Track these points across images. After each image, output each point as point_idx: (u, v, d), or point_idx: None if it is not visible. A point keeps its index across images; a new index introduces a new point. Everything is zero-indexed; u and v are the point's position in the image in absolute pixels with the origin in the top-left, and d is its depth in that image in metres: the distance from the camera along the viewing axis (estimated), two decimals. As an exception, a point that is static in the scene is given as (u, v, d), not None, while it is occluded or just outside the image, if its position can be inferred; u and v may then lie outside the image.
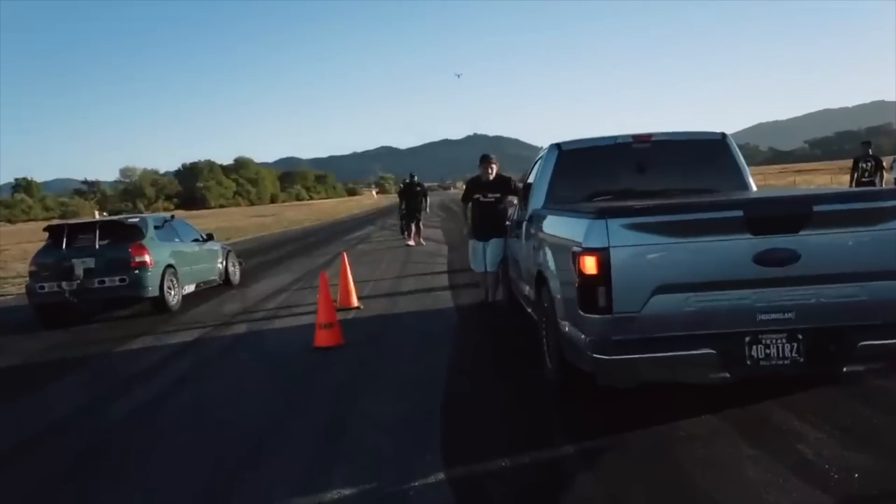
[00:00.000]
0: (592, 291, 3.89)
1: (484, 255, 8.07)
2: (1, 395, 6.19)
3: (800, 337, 3.85)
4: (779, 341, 3.86)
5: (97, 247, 9.69)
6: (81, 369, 6.97)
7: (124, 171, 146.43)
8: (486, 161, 8.18)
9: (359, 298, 9.15)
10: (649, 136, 5.81)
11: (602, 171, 5.87)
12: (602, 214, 3.91)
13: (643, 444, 3.87)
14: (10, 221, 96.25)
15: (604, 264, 3.84)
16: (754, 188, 5.82)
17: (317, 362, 6.31)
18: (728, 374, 3.87)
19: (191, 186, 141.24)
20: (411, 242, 18.32)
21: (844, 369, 3.90)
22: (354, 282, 9.37)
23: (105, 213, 78.54)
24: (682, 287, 3.84)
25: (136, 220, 10.43)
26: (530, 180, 6.53)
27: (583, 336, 4.04)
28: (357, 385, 5.53)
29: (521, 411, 4.60)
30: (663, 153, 5.80)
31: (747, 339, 3.86)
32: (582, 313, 3.99)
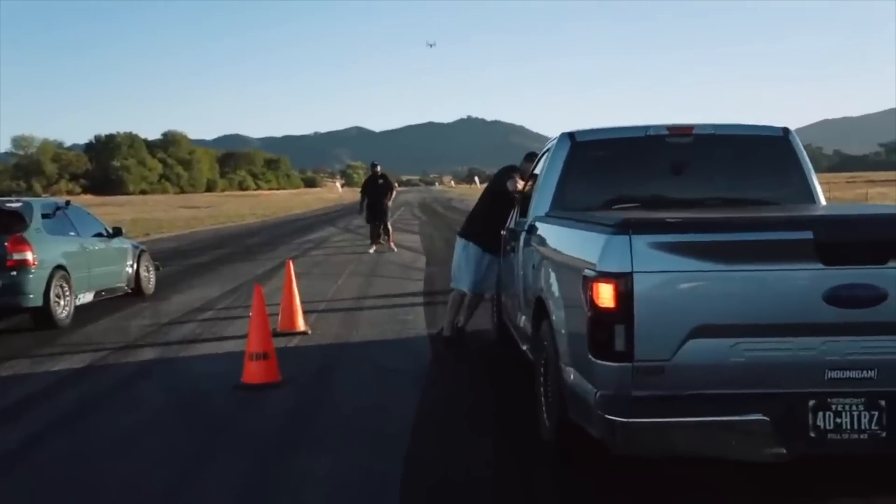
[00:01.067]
0: (608, 331, 3.68)
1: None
2: None
3: (882, 403, 3.64)
4: (854, 408, 3.65)
5: (-40, 240, 9.36)
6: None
7: (18, 141, 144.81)
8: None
9: (306, 320, 8.92)
10: (689, 127, 5.65)
11: (626, 171, 5.71)
12: (625, 228, 3.70)
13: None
14: None
15: (625, 295, 3.62)
16: (823, 202, 5.65)
17: (241, 406, 6.07)
18: (785, 451, 3.64)
19: (104, 165, 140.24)
20: (371, 250, 18.55)
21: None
22: (304, 299, 9.15)
23: (-8, 195, 77.72)
24: (728, 330, 3.63)
25: (18, 204, 10.16)
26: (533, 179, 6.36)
27: (593, 389, 3.82)
28: (291, 440, 5.28)
29: (506, 486, 4.37)
30: (707, 151, 5.64)
31: (812, 403, 3.64)
32: (593, 359, 3.77)
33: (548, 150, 6.17)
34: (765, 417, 3.60)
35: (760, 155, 5.67)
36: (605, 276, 3.67)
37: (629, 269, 3.62)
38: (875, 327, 3.61)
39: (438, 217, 36.14)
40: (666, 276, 3.65)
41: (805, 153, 5.69)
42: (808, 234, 3.63)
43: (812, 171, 5.66)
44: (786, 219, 3.88)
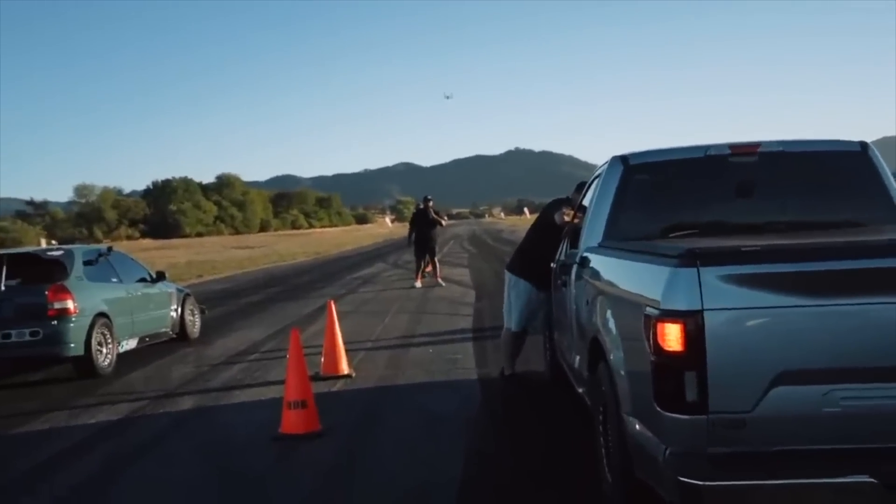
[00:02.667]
0: (676, 378, 3.21)
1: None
2: None
3: None
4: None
5: (3, 288, 9.35)
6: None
7: (80, 190, 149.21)
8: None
9: (350, 363, 8.61)
10: (755, 145, 5.15)
11: (686, 195, 5.23)
12: (692, 259, 3.23)
13: None
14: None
15: (695, 337, 3.15)
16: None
17: (278, 459, 5.74)
18: (895, 517, 3.11)
19: (162, 209, 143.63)
20: (417, 284, 18.66)
21: None
22: (350, 339, 8.88)
23: (54, 242, 79.90)
24: (820, 375, 3.13)
25: (59, 252, 10.14)
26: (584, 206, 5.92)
27: (661, 445, 3.33)
28: (328, 500, 4.88)
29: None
30: (776, 170, 5.14)
31: (929, 458, 3.11)
32: (660, 410, 3.30)
33: (598, 175, 5.73)
34: (870, 479, 3.07)
35: (837, 172, 5.13)
36: (670, 316, 3.21)
37: (699, 307, 3.15)
38: None
39: (488, 249, 35.83)
40: (743, 313, 3.17)
41: (887, 169, 5.15)
42: (911, 261, 3.13)
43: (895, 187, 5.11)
44: (886, 243, 3.36)
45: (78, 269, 9.80)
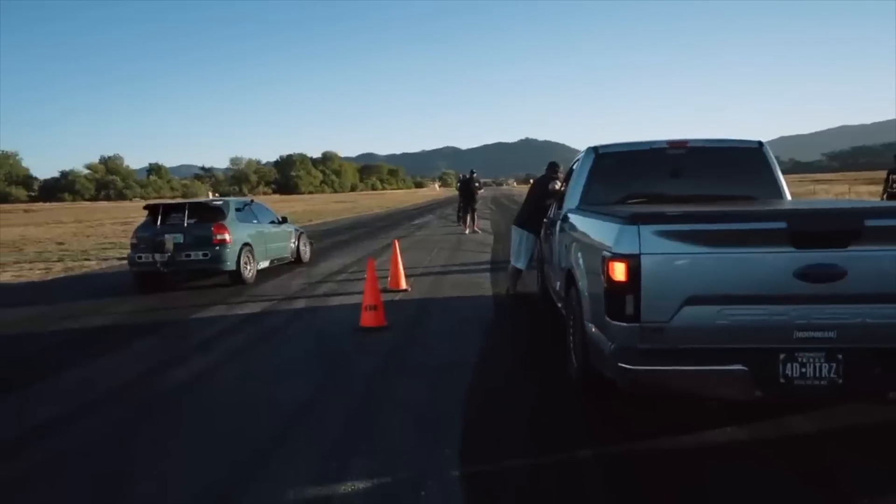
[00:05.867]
0: (620, 298, 3.25)
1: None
2: (80, 354, 5.94)
3: (840, 357, 3.11)
4: (816, 360, 3.13)
5: (185, 225, 9.51)
6: (155, 334, 6.69)
7: (233, 160, 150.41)
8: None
9: (407, 282, 8.67)
10: (685, 142, 5.05)
11: (637, 175, 5.15)
12: (634, 220, 3.24)
13: (663, 453, 3.21)
14: (143, 199, 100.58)
15: (633, 272, 3.18)
16: (790, 198, 4.99)
17: (357, 342, 5.84)
18: (760, 393, 3.15)
19: (286, 175, 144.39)
20: (467, 231, 17.99)
21: (892, 394, 3.12)
22: (407, 265, 8.88)
23: (217, 195, 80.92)
24: (715, 299, 3.14)
25: (220, 202, 10.20)
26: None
27: (609, 342, 3.39)
28: (391, 370, 5.00)
29: (541, 409, 3.99)
30: (699, 159, 5.04)
31: (782, 356, 3.14)
32: (609, 320, 3.35)
33: (578, 159, 5.67)
34: (744, 367, 3.12)
35: (741, 162, 5.02)
36: (618, 257, 3.24)
37: (637, 252, 3.18)
38: (836, 298, 3.07)
39: (504, 208, 35.45)
40: (667, 257, 3.18)
41: (776, 162, 5.03)
42: (783, 225, 3.11)
43: (781, 176, 4.99)
44: (765, 212, 3.33)
45: (231, 213, 9.92)
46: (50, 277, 11.94)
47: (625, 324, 3.24)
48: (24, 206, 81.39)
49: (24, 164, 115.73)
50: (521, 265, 7.66)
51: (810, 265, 3.05)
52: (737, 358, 3.14)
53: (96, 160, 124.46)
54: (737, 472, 3.04)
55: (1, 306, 8.59)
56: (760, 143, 5.04)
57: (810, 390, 3.14)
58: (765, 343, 3.14)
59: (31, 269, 13.21)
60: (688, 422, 3.58)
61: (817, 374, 3.14)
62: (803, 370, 3.14)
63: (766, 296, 3.12)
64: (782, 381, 3.14)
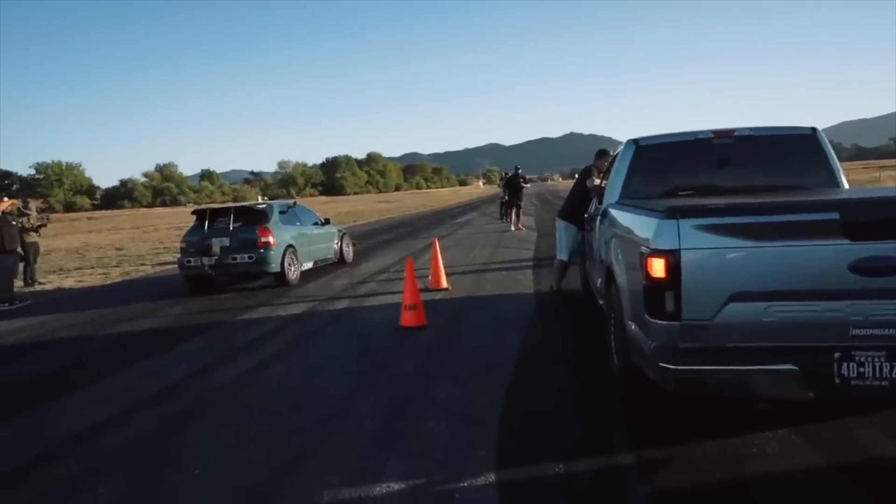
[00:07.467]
0: (660, 296, 3.13)
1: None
2: (133, 355, 6.19)
3: (901, 356, 2.91)
4: (876, 359, 2.94)
5: (231, 228, 9.77)
6: (204, 335, 6.90)
7: (281, 164, 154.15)
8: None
9: (448, 280, 8.66)
10: (731, 131, 4.84)
11: (680, 168, 4.96)
12: (673, 214, 3.12)
13: (708, 457, 3.08)
14: (196, 204, 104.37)
15: (673, 268, 3.06)
16: (847, 188, 4.71)
17: (397, 343, 5.85)
18: (813, 394, 2.99)
19: (332, 176, 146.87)
20: (512, 227, 17.82)
21: (958, 397, 2.90)
22: (448, 264, 8.86)
23: (266, 198, 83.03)
24: (762, 295, 3.00)
25: (264, 206, 10.42)
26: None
27: (649, 341, 3.28)
28: (429, 369, 4.99)
29: (581, 409, 3.90)
30: (747, 149, 4.81)
31: (837, 355, 2.96)
32: (648, 318, 3.24)
33: (618, 152, 5.52)
34: (794, 367, 2.96)
35: (793, 151, 4.77)
36: (657, 253, 3.13)
37: (677, 247, 3.06)
38: (893, 293, 2.88)
39: (548, 203, 35.03)
40: (708, 251, 3.06)
41: (830, 147, 4.76)
42: (835, 216, 2.93)
43: (837, 163, 4.71)
44: (815, 203, 3.14)
45: (275, 216, 10.13)
46: (108, 282, 12.51)
47: (665, 322, 3.13)
48: (87, 214, 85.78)
49: (87, 174, 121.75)
50: (563, 256, 7.54)
51: (866, 258, 2.87)
52: (787, 357, 2.98)
53: (152, 168, 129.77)
54: (792, 483, 2.89)
55: (62, 311, 9.04)
56: (814, 130, 4.78)
57: (869, 391, 2.96)
58: (817, 341, 2.98)
59: (91, 275, 13.88)
60: (737, 424, 3.43)
61: (877, 375, 2.95)
62: (861, 370, 2.96)
63: (817, 291, 2.95)
64: (838, 381, 2.96)
